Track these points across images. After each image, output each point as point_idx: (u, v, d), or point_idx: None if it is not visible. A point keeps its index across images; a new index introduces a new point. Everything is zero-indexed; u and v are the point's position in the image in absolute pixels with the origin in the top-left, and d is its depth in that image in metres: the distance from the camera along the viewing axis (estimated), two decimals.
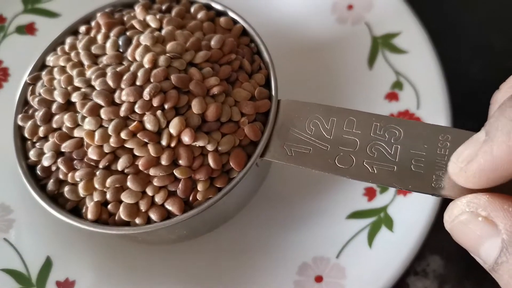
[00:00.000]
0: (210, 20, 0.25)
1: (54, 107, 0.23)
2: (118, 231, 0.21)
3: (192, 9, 0.26)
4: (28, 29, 0.31)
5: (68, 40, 0.25)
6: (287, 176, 0.27)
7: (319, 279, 0.26)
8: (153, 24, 0.24)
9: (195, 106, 0.22)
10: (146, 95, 0.21)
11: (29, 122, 0.23)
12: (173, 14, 0.25)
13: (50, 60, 0.25)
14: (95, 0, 0.30)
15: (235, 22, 0.26)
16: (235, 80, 0.23)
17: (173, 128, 0.21)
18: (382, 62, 0.31)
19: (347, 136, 0.21)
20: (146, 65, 0.22)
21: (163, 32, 0.24)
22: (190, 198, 0.22)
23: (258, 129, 0.22)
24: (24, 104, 0.24)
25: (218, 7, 0.26)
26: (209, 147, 0.21)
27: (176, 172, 0.21)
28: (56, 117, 0.23)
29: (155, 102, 0.21)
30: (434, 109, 0.28)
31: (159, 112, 0.21)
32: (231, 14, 0.26)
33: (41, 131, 0.23)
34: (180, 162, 0.21)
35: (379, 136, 0.21)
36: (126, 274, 0.26)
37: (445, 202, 0.26)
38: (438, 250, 0.29)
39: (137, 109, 0.21)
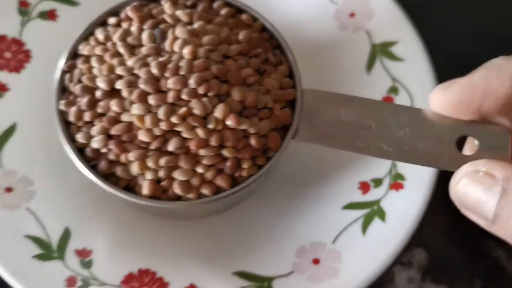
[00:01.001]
0: (232, 17, 0.28)
1: (98, 93, 0.24)
2: (172, 205, 0.24)
3: (214, 6, 0.28)
4: (50, 15, 0.33)
5: (99, 31, 0.27)
6: (289, 170, 0.29)
7: (316, 261, 0.28)
8: (184, 19, 0.26)
9: (236, 94, 0.24)
10: (192, 83, 0.23)
11: (73, 108, 0.25)
12: (200, 10, 0.27)
13: (83, 49, 0.26)
14: None
15: (254, 19, 0.28)
16: (263, 71, 0.26)
17: (218, 113, 0.23)
18: (379, 68, 0.32)
19: (363, 120, 0.24)
20: (187, 56, 0.24)
21: (195, 26, 0.25)
22: (236, 175, 0.24)
23: (288, 115, 0.25)
24: (62, 91, 0.26)
25: (237, 4, 0.28)
26: (251, 130, 0.24)
27: (224, 152, 0.23)
28: (101, 103, 0.24)
29: (201, 90, 0.23)
30: None
31: (205, 99, 0.23)
32: (250, 11, 0.28)
33: (86, 116, 0.24)
34: (227, 143, 0.24)
35: (391, 120, 0.24)
36: (138, 246, 0.28)
37: (433, 200, 0.29)
38: (423, 243, 0.31)
39: (184, 96, 0.23)
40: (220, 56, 0.25)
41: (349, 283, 0.27)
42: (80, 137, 0.25)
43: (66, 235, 0.28)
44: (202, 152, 0.24)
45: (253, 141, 0.24)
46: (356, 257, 0.28)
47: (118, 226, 0.29)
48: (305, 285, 0.28)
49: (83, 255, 0.28)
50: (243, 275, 0.28)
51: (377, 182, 0.30)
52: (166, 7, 0.27)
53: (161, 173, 0.24)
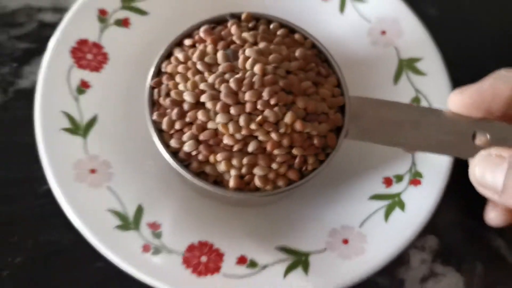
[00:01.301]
0: (286, 36, 0.32)
1: (185, 106, 0.29)
2: (254, 196, 0.29)
3: (271, 26, 0.32)
4: (124, 23, 0.36)
5: (178, 51, 0.31)
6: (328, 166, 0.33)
7: (345, 241, 0.32)
8: (250, 40, 0.30)
9: (300, 103, 0.28)
10: (265, 96, 0.28)
11: (165, 118, 0.29)
12: (261, 31, 0.31)
13: (166, 67, 0.30)
14: (178, 2, 0.37)
15: (305, 37, 0.32)
16: (317, 83, 0.30)
17: (288, 119, 0.28)
18: (405, 80, 0.36)
19: (399, 120, 0.29)
20: (258, 73, 0.28)
21: (261, 46, 0.30)
22: (303, 169, 0.29)
23: (340, 118, 0.30)
24: (152, 104, 0.30)
25: (290, 25, 0.33)
26: (314, 132, 0.29)
27: (294, 151, 0.28)
28: (189, 114, 0.28)
29: (272, 101, 0.28)
30: None
31: (276, 108, 0.28)
32: (301, 31, 0.33)
33: (177, 125, 0.29)
34: (295, 144, 0.28)
35: (421, 120, 0.30)
36: (199, 222, 0.32)
37: (446, 195, 0.33)
38: (435, 231, 0.35)
39: (259, 106, 0.28)
40: (283, 71, 0.29)
41: (373, 260, 0.31)
42: (173, 143, 0.29)
43: (139, 211, 0.32)
44: (275, 152, 0.28)
45: (315, 141, 0.29)
46: (379, 240, 0.32)
47: (182, 205, 0.33)
48: (335, 260, 0.31)
49: (154, 227, 0.31)
50: (284, 249, 0.32)
51: (399, 178, 0.34)
52: (233, 29, 0.31)
53: (244, 170, 0.28)
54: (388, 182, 0.34)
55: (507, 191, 0.25)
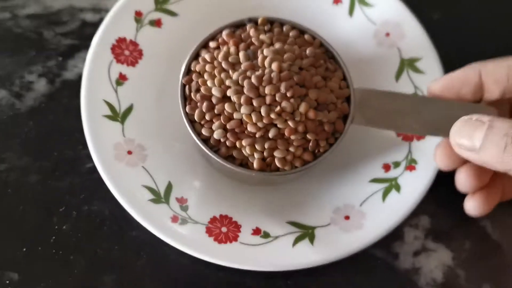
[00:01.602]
0: (298, 37, 0.36)
1: (214, 100, 0.32)
2: (275, 175, 0.33)
3: (284, 28, 0.37)
4: (157, 23, 0.40)
5: (204, 52, 0.34)
6: (333, 152, 0.35)
7: (347, 217, 0.36)
8: (267, 41, 0.34)
9: (312, 95, 0.33)
10: (282, 89, 0.32)
11: (196, 111, 0.33)
12: (275, 33, 0.35)
13: (195, 67, 0.34)
14: (205, 4, 0.41)
15: (314, 37, 0.37)
16: (326, 77, 0.34)
17: (302, 109, 0.32)
18: (405, 78, 0.40)
19: (399, 108, 0.33)
20: (275, 70, 0.32)
21: (277, 47, 0.34)
22: (316, 151, 0.33)
23: (347, 107, 0.34)
24: (184, 98, 0.34)
25: (300, 27, 0.37)
26: (324, 120, 0.33)
27: (308, 136, 0.32)
28: (217, 107, 0.32)
29: (289, 94, 0.32)
30: None
31: (292, 100, 0.32)
32: (310, 32, 0.37)
33: (207, 116, 0.32)
34: (309, 130, 0.32)
35: (418, 107, 0.33)
36: (220, 198, 0.37)
37: (439, 181, 0.36)
38: (427, 212, 0.38)
39: (278, 99, 0.32)
40: (297, 68, 0.33)
41: (370, 234, 0.35)
42: (204, 132, 0.33)
43: (169, 187, 0.36)
44: (292, 137, 0.32)
45: (326, 127, 0.33)
46: (376, 217, 0.35)
47: (206, 183, 0.37)
48: (338, 233, 0.35)
49: (181, 202, 0.36)
50: (294, 223, 0.36)
51: (396, 164, 0.37)
52: (251, 32, 0.35)
53: (265, 153, 0.32)
54: (386, 167, 0.38)
55: (485, 148, 0.27)
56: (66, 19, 0.43)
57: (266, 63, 0.33)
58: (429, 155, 0.37)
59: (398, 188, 0.37)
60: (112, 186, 0.35)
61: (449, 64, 0.38)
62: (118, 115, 0.38)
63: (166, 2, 0.41)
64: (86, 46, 0.39)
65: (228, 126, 0.32)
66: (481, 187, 0.34)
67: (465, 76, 0.33)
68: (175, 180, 0.37)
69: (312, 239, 0.35)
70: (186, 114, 0.33)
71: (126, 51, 0.39)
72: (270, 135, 0.33)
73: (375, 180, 0.37)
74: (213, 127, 0.33)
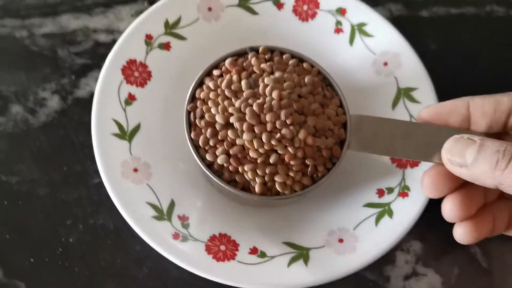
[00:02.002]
0: (297, 65, 0.38)
1: (217, 126, 0.33)
2: (275, 199, 0.34)
3: (283, 57, 0.38)
4: (166, 46, 0.42)
5: (208, 80, 0.35)
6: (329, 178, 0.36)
7: (340, 240, 0.37)
8: (268, 70, 0.36)
9: (310, 122, 0.34)
10: (283, 117, 0.33)
11: (201, 137, 0.34)
12: (276, 62, 0.37)
13: (200, 94, 0.35)
14: (211, 29, 0.42)
15: (312, 66, 0.38)
16: (323, 104, 0.36)
17: (301, 136, 0.33)
18: (402, 107, 0.41)
19: (392, 134, 0.34)
20: (276, 98, 0.34)
21: (277, 75, 0.35)
22: (314, 176, 0.35)
23: (343, 133, 0.35)
24: (189, 124, 0.35)
25: (299, 55, 0.38)
26: (322, 146, 0.34)
27: (307, 161, 0.34)
28: (221, 133, 0.33)
29: (289, 121, 0.33)
30: None
31: (292, 127, 0.33)
32: (309, 60, 0.38)
33: (211, 142, 0.34)
34: (308, 155, 0.34)
35: (410, 132, 0.34)
36: (219, 217, 0.38)
37: (431, 208, 0.37)
38: (419, 237, 0.39)
39: (278, 126, 0.33)
40: (296, 96, 0.35)
41: (362, 257, 0.36)
42: (208, 157, 0.34)
43: (172, 205, 0.37)
44: (292, 162, 0.33)
45: (324, 153, 0.35)
46: (368, 241, 0.36)
47: (207, 202, 0.38)
48: (331, 255, 0.36)
49: (183, 219, 0.37)
50: (289, 244, 0.37)
51: (390, 190, 0.39)
52: (253, 61, 0.36)
53: (266, 178, 0.33)
54: (380, 193, 0.39)
55: (476, 164, 0.29)
56: (80, 39, 0.45)
57: (267, 91, 0.35)
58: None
59: (390, 213, 0.38)
60: (117, 202, 0.37)
61: (444, 94, 0.39)
62: (126, 134, 0.39)
63: (175, 26, 0.43)
64: (98, 65, 0.42)
65: (231, 152, 0.34)
66: (469, 217, 0.35)
67: (454, 106, 0.34)
68: (178, 198, 0.38)
69: (306, 260, 0.37)
70: (191, 139, 0.35)
71: (135, 72, 0.40)
72: (271, 160, 0.34)
73: (369, 205, 0.39)
74: (217, 152, 0.34)
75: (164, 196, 0.38)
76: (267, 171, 0.34)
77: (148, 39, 0.41)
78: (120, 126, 0.39)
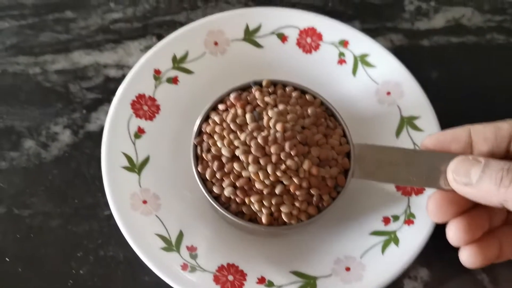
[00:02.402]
0: (300, 97, 0.39)
1: (223, 159, 0.34)
2: (282, 229, 0.35)
3: (286, 90, 0.39)
4: (174, 80, 0.43)
5: (214, 114, 0.36)
6: (335, 206, 0.37)
7: (348, 269, 0.37)
8: (271, 103, 0.37)
9: (314, 152, 0.35)
10: (287, 148, 0.34)
11: (208, 170, 0.35)
12: (279, 95, 0.38)
13: (206, 128, 0.36)
14: (218, 63, 0.44)
15: (314, 97, 0.39)
16: (326, 134, 0.36)
17: (306, 166, 0.34)
18: (405, 135, 0.41)
19: (396, 161, 0.34)
20: (279, 130, 0.35)
21: (280, 108, 0.36)
22: (319, 205, 0.35)
23: (347, 162, 0.36)
24: (196, 158, 0.36)
25: (301, 87, 0.39)
26: (327, 175, 0.35)
27: (312, 191, 0.34)
28: (227, 166, 0.34)
29: (293, 152, 0.34)
30: None
31: (296, 158, 0.34)
32: (311, 92, 0.39)
33: (218, 175, 0.34)
34: (312, 185, 0.34)
35: (413, 160, 0.34)
36: (227, 247, 0.38)
37: (438, 235, 0.37)
38: (426, 264, 0.39)
39: (283, 157, 0.34)
40: (300, 127, 0.35)
41: (369, 285, 0.36)
42: (215, 189, 0.35)
43: (180, 235, 0.38)
44: (297, 192, 0.34)
45: (328, 182, 0.35)
46: (375, 269, 0.37)
47: (214, 232, 0.39)
48: (339, 284, 0.36)
49: (191, 250, 0.37)
50: (297, 273, 0.37)
51: (396, 217, 0.39)
52: (257, 94, 0.37)
53: (273, 209, 0.34)
54: (386, 220, 0.39)
55: (481, 182, 0.30)
56: (91, 74, 0.47)
57: (271, 124, 0.36)
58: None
59: (397, 241, 0.38)
60: (127, 234, 0.37)
61: (446, 121, 0.40)
62: (136, 166, 0.40)
63: (182, 60, 0.44)
64: (109, 100, 0.43)
65: (237, 184, 0.34)
66: (474, 241, 0.35)
67: (456, 134, 0.34)
68: (186, 229, 0.39)
69: None
70: (198, 173, 0.36)
71: (144, 106, 0.42)
72: (277, 191, 0.35)
73: (375, 233, 0.39)
74: (224, 185, 0.35)
75: (172, 227, 0.38)
76: (273, 202, 0.35)
77: (157, 73, 0.42)
78: (129, 159, 0.40)
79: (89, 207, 0.41)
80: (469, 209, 0.34)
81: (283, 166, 0.34)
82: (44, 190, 0.42)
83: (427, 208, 0.35)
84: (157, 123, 0.41)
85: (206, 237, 0.39)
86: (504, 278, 0.40)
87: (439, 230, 0.38)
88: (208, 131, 0.36)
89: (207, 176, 0.35)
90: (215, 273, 0.37)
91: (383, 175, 0.36)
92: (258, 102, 0.37)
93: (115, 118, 0.41)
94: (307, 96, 0.39)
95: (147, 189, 0.39)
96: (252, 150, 0.34)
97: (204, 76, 0.44)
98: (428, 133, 0.41)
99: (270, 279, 0.37)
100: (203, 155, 0.36)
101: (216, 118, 0.36)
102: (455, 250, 0.38)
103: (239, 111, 0.36)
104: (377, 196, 0.41)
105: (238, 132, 0.35)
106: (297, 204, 0.35)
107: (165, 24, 0.49)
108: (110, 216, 0.38)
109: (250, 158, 0.34)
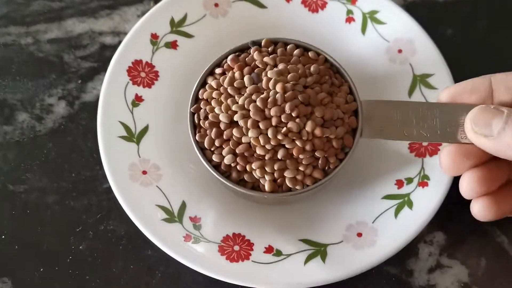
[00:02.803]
0: (302, 55, 0.37)
1: (222, 126, 0.33)
2: (287, 195, 0.34)
3: (287, 48, 0.37)
4: (173, 45, 0.41)
5: (211, 79, 0.35)
6: (346, 170, 0.37)
7: (359, 234, 0.36)
8: (271, 63, 0.35)
9: (318, 113, 0.33)
10: (288, 110, 0.33)
11: (206, 138, 0.34)
12: (279, 54, 0.36)
13: (203, 94, 0.35)
14: (219, 26, 0.42)
15: (318, 54, 0.37)
16: (331, 92, 0.35)
17: (308, 128, 0.33)
18: (418, 94, 0.40)
19: (407, 117, 0.33)
20: (280, 91, 0.33)
21: (280, 67, 0.34)
22: (326, 168, 0.34)
23: (355, 121, 0.34)
24: (193, 126, 0.35)
25: (304, 44, 0.37)
26: (332, 136, 0.33)
27: (317, 154, 0.33)
28: (225, 132, 0.33)
29: (294, 114, 0.32)
30: None
31: (298, 120, 0.33)
32: (314, 49, 0.37)
33: (217, 143, 0.33)
34: (317, 148, 0.33)
35: (426, 114, 0.33)
36: (233, 216, 0.37)
37: (455, 196, 0.36)
38: (442, 228, 0.38)
39: (284, 120, 0.33)
40: (301, 87, 0.34)
41: (382, 251, 0.35)
42: (215, 158, 0.33)
43: (183, 206, 0.36)
44: (301, 156, 0.33)
45: (334, 143, 0.34)
46: (388, 234, 0.35)
47: (218, 202, 0.38)
48: (350, 251, 0.35)
49: (195, 220, 0.36)
50: (306, 241, 0.36)
51: (409, 180, 0.37)
52: (255, 55, 0.35)
53: (276, 175, 0.33)
54: (400, 184, 0.38)
55: (503, 135, 0.28)
56: (86, 42, 0.45)
57: (270, 85, 0.34)
58: (442, 172, 0.37)
59: (410, 204, 0.37)
60: (126, 206, 0.36)
61: (461, 79, 0.37)
62: (134, 136, 0.39)
63: (181, 24, 0.42)
64: (105, 68, 0.41)
65: (237, 151, 0.33)
66: (489, 193, 0.33)
67: (476, 84, 0.33)
68: (189, 199, 0.37)
69: (324, 257, 0.36)
70: (197, 142, 0.34)
71: (142, 73, 0.40)
72: (279, 156, 0.33)
73: (388, 197, 0.37)
74: (223, 152, 0.33)
75: (174, 198, 0.37)
76: (276, 167, 0.33)
77: (154, 38, 0.41)
78: (127, 128, 0.39)
79: (86, 181, 0.40)
80: (487, 161, 0.32)
81: (284, 129, 0.33)
82: (39, 165, 0.40)
83: (440, 161, 0.34)
84: (156, 91, 0.40)
85: (210, 207, 0.37)
86: None
87: (455, 192, 0.36)
88: (205, 97, 0.35)
89: (206, 144, 0.34)
90: (220, 243, 0.35)
91: (394, 133, 0.34)
92: (257, 64, 0.35)
93: (111, 86, 0.39)
94: (310, 54, 0.37)
95: (146, 159, 0.38)
96: (251, 114, 0.32)
97: (204, 40, 0.42)
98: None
99: (278, 248, 0.36)
100: (201, 123, 0.34)
101: (213, 83, 0.35)
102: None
103: (237, 74, 0.34)
104: (389, 159, 0.39)
105: (236, 97, 0.34)
106: (301, 168, 0.33)
107: None
108: (109, 189, 0.37)
109: (249, 123, 0.32)
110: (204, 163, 0.34)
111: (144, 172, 0.37)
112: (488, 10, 0.47)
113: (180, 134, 0.39)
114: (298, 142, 0.33)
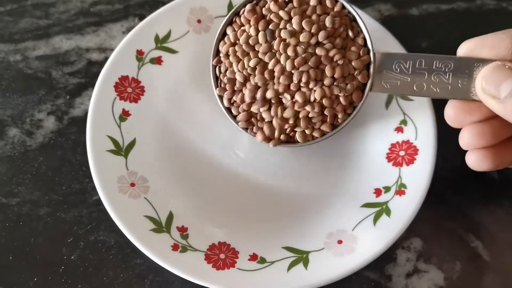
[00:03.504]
0: (320, 3, 0.35)
1: (237, 84, 0.35)
2: (297, 146, 0.36)
3: None
4: (157, 61, 0.42)
5: (229, 31, 0.35)
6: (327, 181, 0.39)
7: (340, 242, 0.37)
8: (285, 17, 0.34)
9: (328, 72, 0.33)
10: (295, 80, 0.34)
11: (225, 93, 0.35)
12: (295, 4, 0.35)
13: (222, 47, 0.35)
14: (202, 41, 0.43)
15: (336, 1, 0.35)
16: (345, 46, 0.34)
17: (317, 96, 0.34)
18: (395, 105, 0.41)
19: (419, 71, 0.32)
20: (291, 55, 0.34)
21: (294, 24, 0.34)
22: (334, 123, 0.35)
23: (366, 76, 0.34)
24: (216, 79, 0.36)
25: None
26: (341, 94, 0.34)
27: (325, 112, 0.34)
28: (242, 90, 0.35)
29: (302, 82, 0.34)
30: (427, 140, 0.40)
31: (305, 89, 0.34)
32: None
33: (235, 98, 0.35)
34: (325, 107, 0.34)
35: (438, 68, 0.32)
36: (218, 226, 0.38)
37: (429, 203, 0.38)
38: (419, 234, 0.40)
39: (292, 88, 0.34)
40: (313, 47, 0.34)
41: (361, 258, 0.36)
42: (233, 111, 0.36)
43: (170, 217, 0.38)
44: (311, 114, 0.34)
45: (342, 100, 0.34)
46: (367, 241, 0.36)
47: (205, 211, 0.39)
48: (331, 258, 0.36)
49: (182, 230, 0.38)
50: (289, 248, 0.37)
51: (387, 189, 0.39)
52: (271, 6, 0.35)
53: (287, 130, 0.35)
54: (378, 192, 0.39)
55: (508, 101, 0.27)
56: (73, 59, 0.46)
57: (281, 48, 0.34)
58: (418, 180, 0.39)
59: (388, 212, 0.38)
60: (116, 218, 0.37)
61: None
62: (122, 149, 0.40)
63: (165, 40, 0.43)
64: (92, 84, 0.42)
65: (253, 110, 0.35)
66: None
67: (497, 38, 0.30)
68: (176, 209, 0.39)
69: (306, 264, 0.37)
70: (219, 96, 0.36)
71: (128, 88, 0.41)
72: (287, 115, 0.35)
73: (367, 205, 0.39)
74: (240, 109, 0.36)
75: (162, 209, 0.38)
76: (290, 119, 0.35)
77: (139, 54, 0.42)
78: (115, 142, 0.40)
79: (77, 193, 0.41)
80: (492, 117, 0.31)
81: (292, 97, 0.34)
82: (31, 178, 0.41)
83: (445, 113, 0.33)
84: (142, 105, 0.41)
85: (196, 217, 0.39)
86: (497, 244, 0.40)
87: (432, 200, 0.38)
88: (223, 51, 0.36)
89: (224, 100, 0.36)
90: (206, 252, 0.37)
91: (404, 87, 0.33)
92: (272, 18, 0.35)
93: (99, 101, 0.40)
94: (328, 1, 0.35)
95: (134, 172, 0.39)
96: (259, 84, 0.35)
97: (188, 55, 0.43)
98: (418, 102, 0.41)
99: (262, 256, 0.37)
100: (221, 77, 0.36)
101: (231, 36, 0.35)
102: (448, 219, 0.38)
103: (252, 30, 0.35)
104: (368, 169, 0.41)
105: (251, 53, 0.35)
106: (310, 124, 0.35)
107: (147, 4, 0.48)
108: (99, 201, 0.38)
109: (259, 94, 0.35)
110: (225, 112, 0.36)
111: (133, 184, 0.38)
112: (463, 20, 0.49)
113: (166, 146, 0.41)
114: (307, 107, 0.34)
